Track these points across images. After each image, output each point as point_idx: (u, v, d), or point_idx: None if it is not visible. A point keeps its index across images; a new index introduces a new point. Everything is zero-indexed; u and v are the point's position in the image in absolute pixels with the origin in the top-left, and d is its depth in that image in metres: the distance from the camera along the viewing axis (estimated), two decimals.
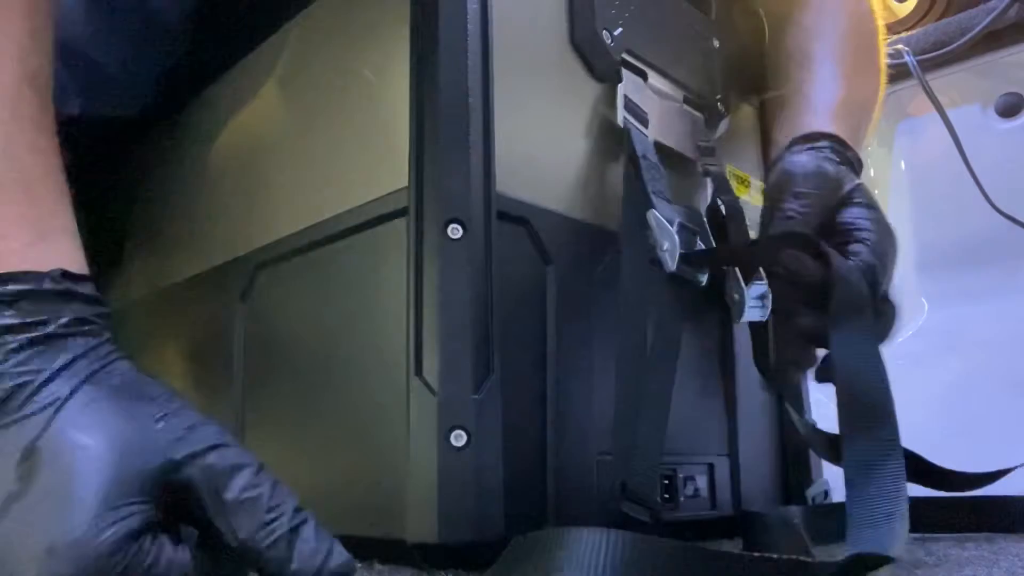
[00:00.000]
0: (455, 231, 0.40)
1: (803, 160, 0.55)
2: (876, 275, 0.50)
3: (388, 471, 0.41)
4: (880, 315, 0.52)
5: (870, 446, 0.37)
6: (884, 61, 0.66)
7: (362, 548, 0.43)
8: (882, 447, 0.37)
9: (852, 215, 0.53)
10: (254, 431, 0.53)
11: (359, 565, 0.41)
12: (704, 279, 0.47)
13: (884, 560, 0.32)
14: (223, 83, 0.62)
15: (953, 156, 0.83)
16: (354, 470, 0.44)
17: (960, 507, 0.53)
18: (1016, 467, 0.52)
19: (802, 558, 0.27)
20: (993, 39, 0.96)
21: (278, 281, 0.53)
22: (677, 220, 0.46)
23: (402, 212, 0.42)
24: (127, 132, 0.69)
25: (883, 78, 0.66)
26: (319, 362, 0.48)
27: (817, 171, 0.54)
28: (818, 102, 0.59)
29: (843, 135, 0.57)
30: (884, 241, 0.52)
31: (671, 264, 0.45)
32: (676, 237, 0.45)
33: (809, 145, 0.56)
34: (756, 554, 0.34)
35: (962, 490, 0.53)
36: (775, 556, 0.28)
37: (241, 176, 0.59)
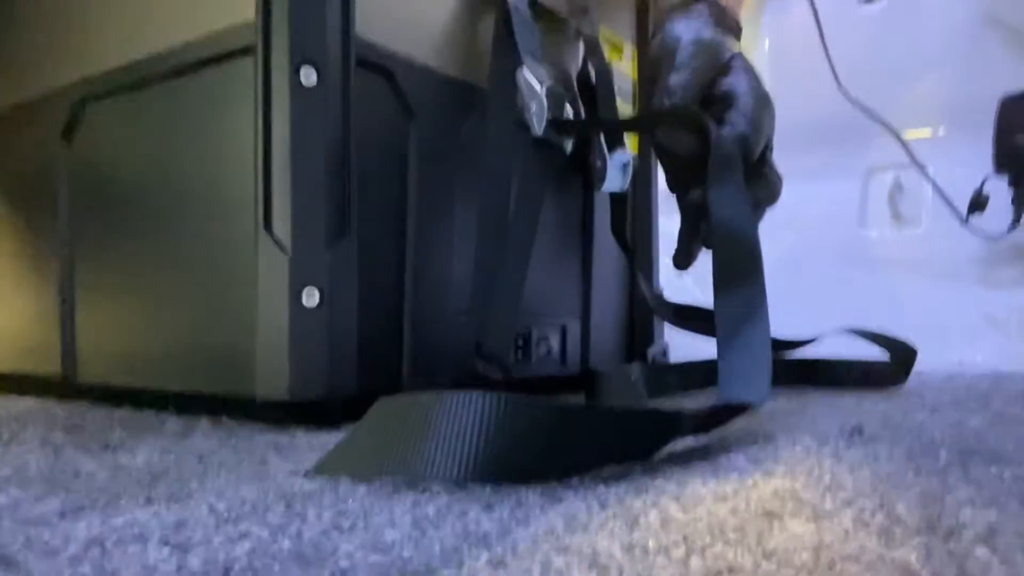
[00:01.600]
0: (309, 76, 0.37)
1: (680, 30, 0.54)
2: (749, 142, 0.51)
3: (237, 328, 0.39)
4: (759, 178, 0.54)
5: (742, 303, 0.40)
6: None
7: (211, 405, 0.42)
8: (751, 305, 0.40)
9: (729, 84, 0.53)
10: (85, 277, 0.49)
11: (206, 421, 0.40)
12: (570, 145, 0.47)
13: (746, 408, 0.35)
14: None
15: (813, 38, 0.85)
16: (201, 326, 0.42)
17: (785, 367, 0.59)
18: (820, 337, 0.58)
19: (675, 410, 0.29)
20: None
21: (106, 119, 0.47)
22: (546, 82, 0.45)
23: (248, 51, 0.38)
24: None
25: None
26: (156, 210, 0.44)
27: (695, 42, 0.53)
28: None
29: None
30: (760, 109, 0.53)
31: (537, 128, 0.44)
32: (544, 100, 0.44)
33: (686, 12, 0.55)
34: (639, 408, 0.36)
35: (783, 351, 0.59)
36: (653, 409, 0.30)
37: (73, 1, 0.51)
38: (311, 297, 0.37)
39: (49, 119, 0.50)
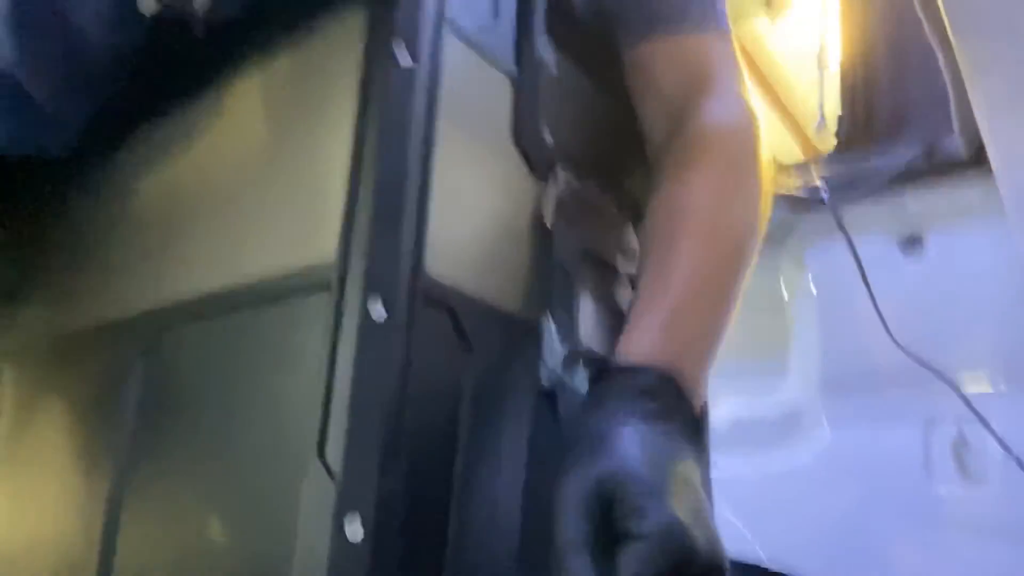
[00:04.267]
0: (378, 312, 0.39)
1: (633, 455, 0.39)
2: None
3: (276, 558, 0.38)
4: None
5: None
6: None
7: None
8: None
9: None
10: (135, 497, 0.49)
11: None
12: (570, 411, 0.47)
13: None
14: (151, 130, 0.60)
15: (859, 284, 0.88)
16: (241, 554, 0.41)
17: None
18: None
19: None
20: (902, 180, 1.04)
21: (184, 342, 0.50)
22: (568, 343, 0.46)
23: (325, 286, 0.41)
24: (44, 169, 0.65)
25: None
26: (215, 433, 0.45)
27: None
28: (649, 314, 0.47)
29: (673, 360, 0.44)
30: None
31: (545, 380, 0.46)
32: (559, 355, 0.45)
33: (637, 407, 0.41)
34: None
35: None
36: None
37: (159, 227, 0.56)
38: (354, 529, 0.36)
39: (130, 339, 0.53)
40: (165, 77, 0.59)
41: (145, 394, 0.51)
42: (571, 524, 0.38)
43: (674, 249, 0.49)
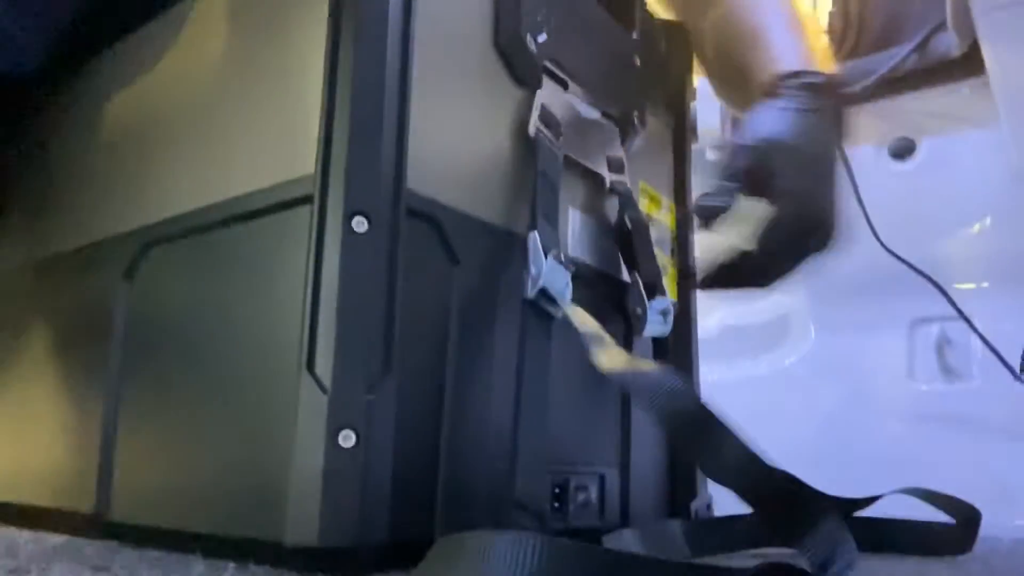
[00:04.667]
0: (360, 224, 0.39)
1: (760, 125, 0.52)
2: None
3: (271, 470, 0.39)
4: None
5: None
6: None
7: (239, 549, 0.41)
8: None
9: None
10: (129, 415, 0.49)
11: (233, 566, 0.39)
12: (559, 315, 0.47)
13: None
14: (125, 48, 0.58)
15: (847, 191, 0.87)
16: (235, 467, 0.42)
17: None
18: (884, 495, 0.55)
19: (733, 567, 0.27)
20: (892, 84, 1.02)
21: (167, 261, 0.50)
22: (553, 252, 0.46)
23: (306, 200, 0.41)
24: (16, 92, 0.64)
25: None
26: (205, 349, 0.45)
27: (774, 145, 0.51)
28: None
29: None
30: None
31: (529, 291, 0.46)
32: (544, 267, 0.45)
33: (773, 96, 0.53)
34: (678, 561, 0.34)
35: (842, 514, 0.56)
36: (705, 565, 0.29)
37: (135, 148, 0.55)
38: (347, 439, 0.37)
39: (111, 261, 0.53)
40: None
41: (131, 315, 0.51)
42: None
43: None
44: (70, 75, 0.63)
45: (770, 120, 0.54)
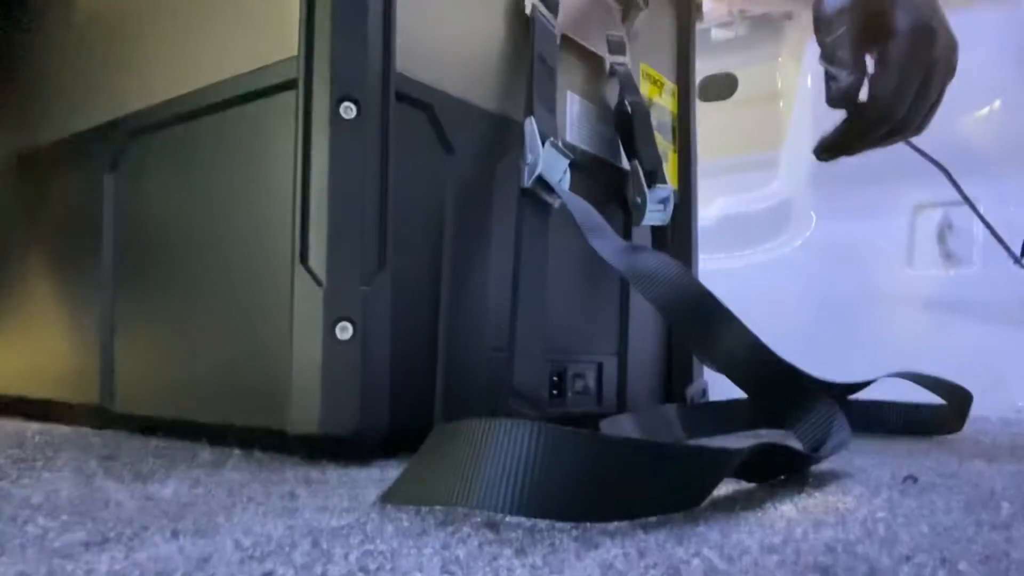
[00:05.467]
0: (348, 110, 0.37)
1: None
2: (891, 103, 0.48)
3: (271, 360, 0.39)
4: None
5: None
6: None
7: (244, 437, 0.42)
8: None
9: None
10: (126, 309, 0.49)
11: (238, 452, 0.40)
12: (556, 204, 0.45)
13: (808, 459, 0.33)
14: None
15: None
16: (236, 358, 0.42)
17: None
18: (877, 379, 0.56)
19: (728, 448, 0.28)
20: None
21: (151, 152, 0.48)
22: (550, 139, 0.44)
23: (290, 84, 0.39)
24: None
25: None
26: (197, 242, 0.44)
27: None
28: None
29: None
30: (917, 48, 0.48)
31: (526, 180, 0.44)
32: (541, 154, 0.44)
33: None
34: (675, 443, 0.34)
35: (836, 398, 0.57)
36: (701, 447, 0.29)
37: (115, 35, 0.52)
38: (345, 330, 0.37)
39: (96, 153, 0.51)
40: None
41: (119, 209, 0.50)
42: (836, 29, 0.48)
43: None
44: None
45: None
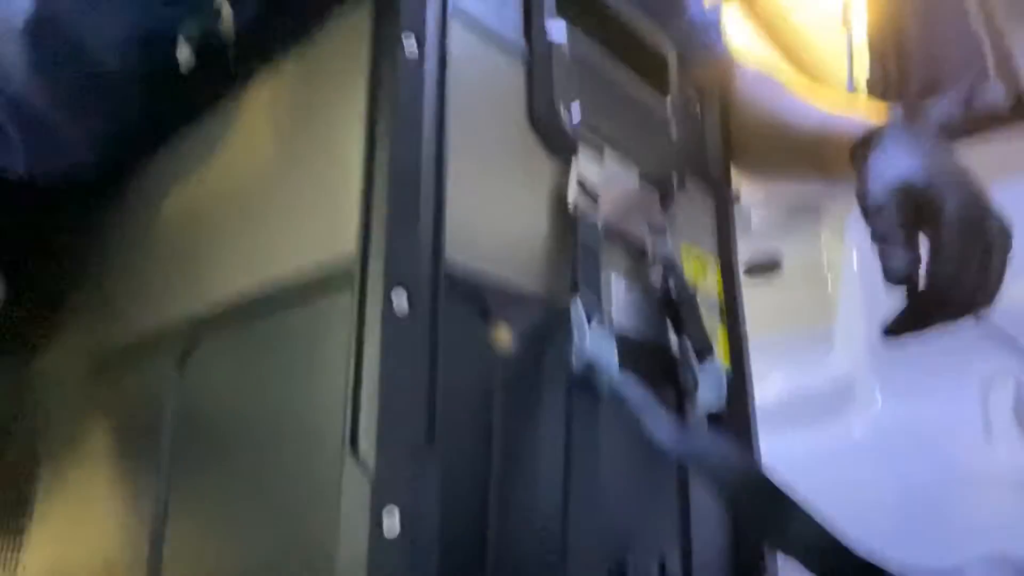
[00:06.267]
0: (401, 303, 0.38)
1: (883, 168, 0.51)
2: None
3: (317, 560, 0.38)
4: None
5: None
6: None
7: None
8: None
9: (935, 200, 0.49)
10: (178, 507, 0.49)
11: None
12: (607, 387, 0.45)
13: None
14: (171, 146, 0.61)
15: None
16: (282, 556, 0.41)
17: None
18: (960, 568, 0.50)
19: None
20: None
21: (215, 349, 0.50)
22: (596, 320, 0.45)
23: (348, 283, 0.41)
24: (72, 192, 0.67)
25: None
26: (252, 441, 0.45)
27: (898, 191, 0.50)
28: None
29: None
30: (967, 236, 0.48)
31: (576, 362, 0.44)
32: (588, 335, 0.44)
33: (892, 132, 0.53)
34: None
35: None
36: None
37: (185, 239, 0.57)
38: (392, 522, 0.35)
39: (164, 351, 0.53)
40: (182, 93, 0.59)
41: (181, 406, 0.51)
42: (886, 215, 0.49)
43: None
44: (126, 171, 0.65)
45: (904, 154, 0.52)
